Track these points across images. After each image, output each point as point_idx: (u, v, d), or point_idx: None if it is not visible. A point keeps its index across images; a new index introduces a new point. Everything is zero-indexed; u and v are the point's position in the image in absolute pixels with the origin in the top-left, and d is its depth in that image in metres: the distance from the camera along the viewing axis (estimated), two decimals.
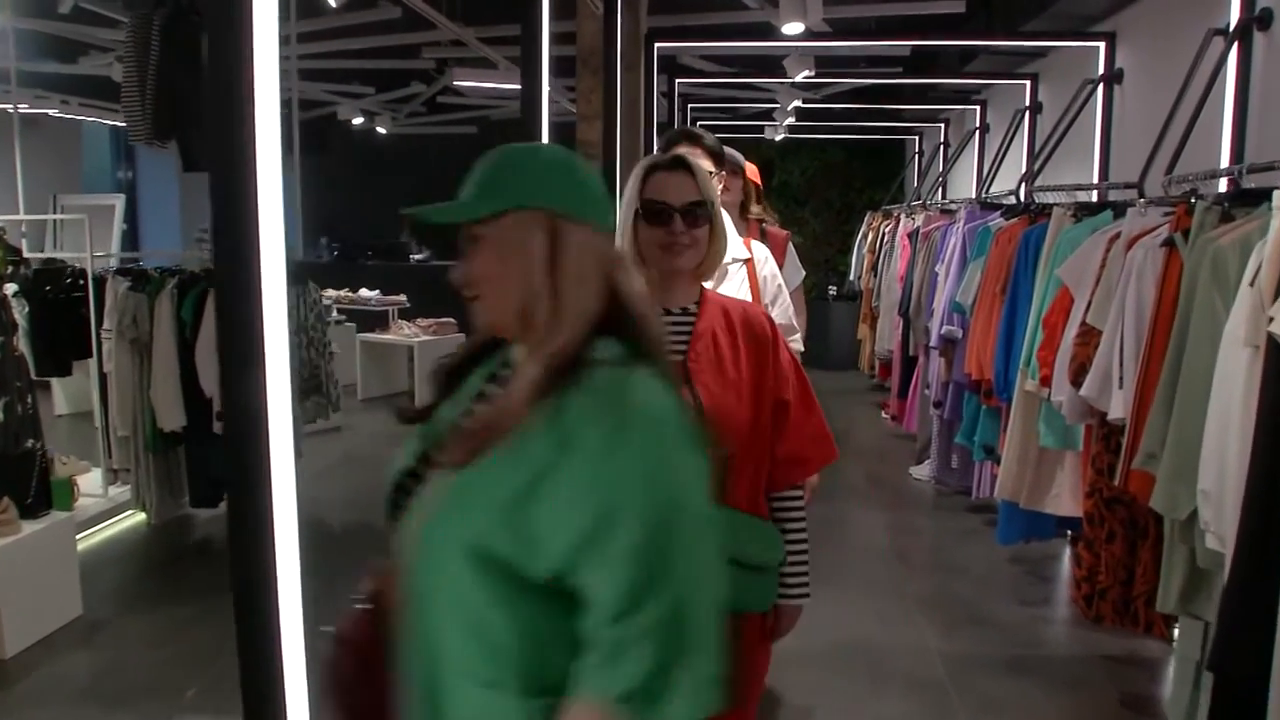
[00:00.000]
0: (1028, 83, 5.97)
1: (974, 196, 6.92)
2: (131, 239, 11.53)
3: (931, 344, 5.24)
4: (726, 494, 1.67)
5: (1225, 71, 3.42)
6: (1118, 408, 2.93)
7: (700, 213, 1.77)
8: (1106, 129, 4.67)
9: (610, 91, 3.54)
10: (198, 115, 4.76)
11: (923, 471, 6.04)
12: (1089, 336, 3.21)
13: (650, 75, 4.79)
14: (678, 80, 6.23)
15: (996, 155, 6.02)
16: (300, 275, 4.97)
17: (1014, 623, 3.97)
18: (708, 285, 1.91)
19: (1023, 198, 4.79)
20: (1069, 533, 4.54)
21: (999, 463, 4.28)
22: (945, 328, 5.03)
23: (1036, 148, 6.01)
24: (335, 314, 8.32)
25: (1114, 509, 3.20)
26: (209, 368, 4.73)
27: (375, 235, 11.55)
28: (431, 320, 8.22)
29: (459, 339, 8.22)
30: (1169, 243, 2.75)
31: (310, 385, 4.99)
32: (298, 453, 1.55)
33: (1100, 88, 4.66)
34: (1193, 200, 2.77)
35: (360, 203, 12.27)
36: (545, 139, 2.27)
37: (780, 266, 3.39)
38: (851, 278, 9.72)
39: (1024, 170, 6.01)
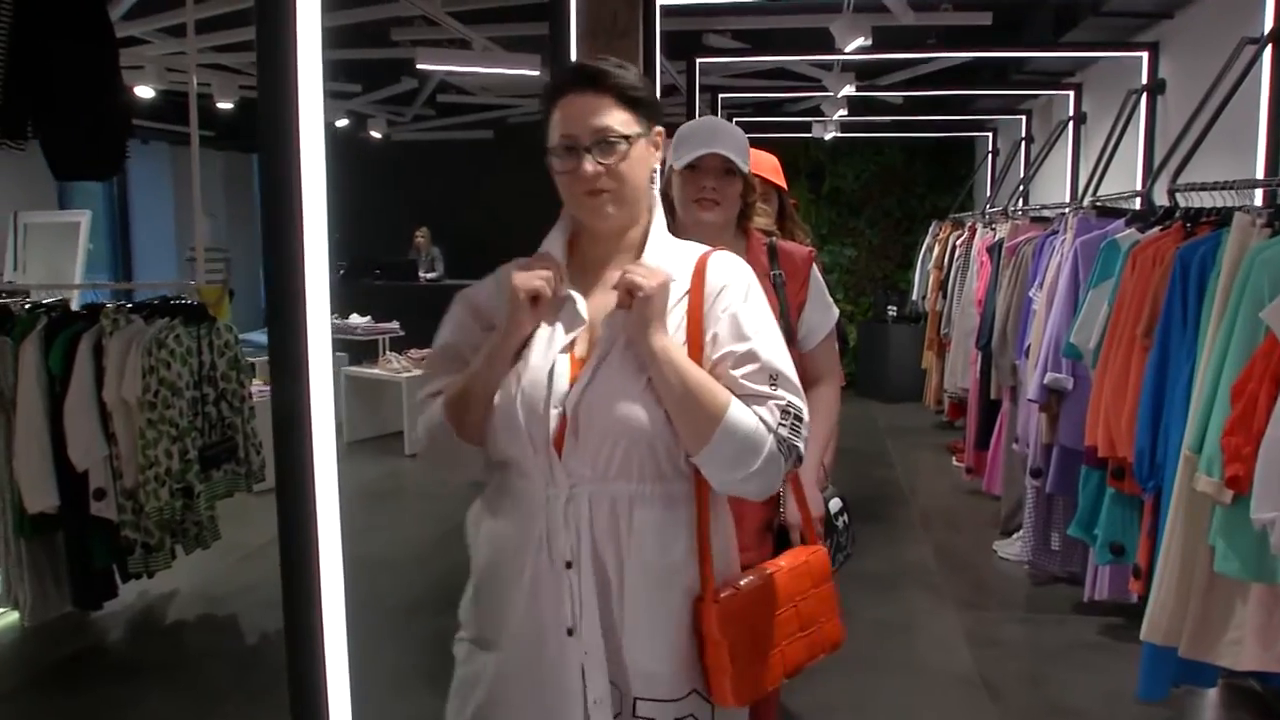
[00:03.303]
0: (1145, 54, 4.69)
1: (1070, 201, 5.64)
2: (124, 263, 10.65)
3: (1030, 396, 3.98)
4: None
5: None
6: None
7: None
8: (1277, 104, 3.40)
9: (561, 55, 2.39)
10: (72, 107, 3.71)
11: (1011, 549, 4.76)
12: None
13: (651, 45, 3.62)
14: (699, 61, 5.06)
15: (1105, 148, 4.74)
16: (200, 310, 3.86)
17: None
18: None
19: (1158, 200, 3.54)
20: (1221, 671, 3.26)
21: (1139, 575, 3.03)
22: (1050, 375, 3.78)
23: (1156, 136, 4.73)
24: None
25: None
26: (80, 433, 3.66)
27: (385, 252, 10.54)
28: (426, 352, 7.11)
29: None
30: None
31: (221, 451, 3.90)
32: None
33: (1269, 50, 3.38)
34: None
35: (371, 217, 11.29)
36: (320, 150, 1.12)
37: (800, 301, 2.18)
38: (914, 297, 8.44)
39: (1143, 167, 4.75)
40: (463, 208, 10.74)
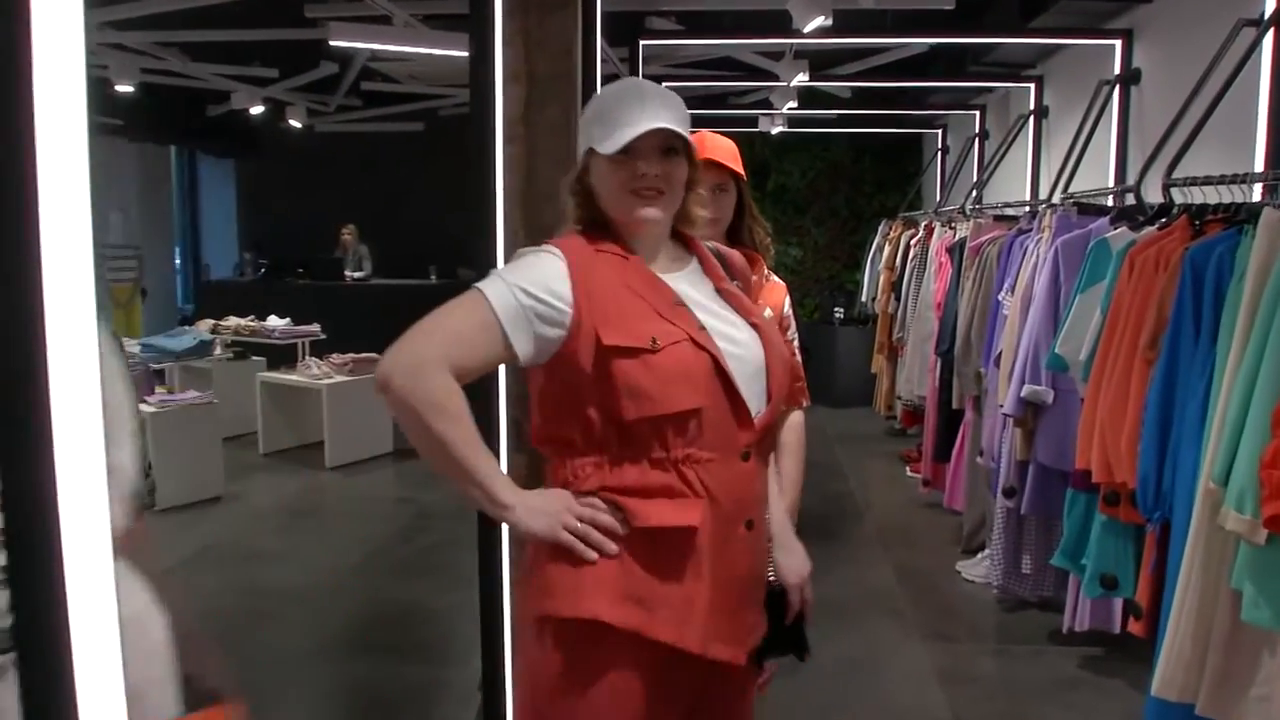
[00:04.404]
0: (1118, 42, 4.42)
1: (1031, 198, 5.37)
2: None
3: (1004, 409, 3.65)
4: None
5: None
6: None
7: None
8: (1278, 91, 3.11)
9: (484, 25, 1.98)
10: None
11: (977, 570, 4.45)
12: None
13: (591, 19, 3.21)
14: (643, 44, 4.67)
15: (1076, 142, 4.46)
16: None
17: None
18: None
19: (1150, 197, 3.23)
20: None
21: (1139, 616, 2.71)
22: (1028, 387, 3.46)
23: (1131, 128, 4.47)
24: (219, 350, 6.74)
25: None
26: None
27: (309, 250, 9.96)
28: (348, 356, 6.60)
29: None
30: None
31: None
32: None
33: (1272, 33, 3.09)
34: None
35: (295, 212, 10.72)
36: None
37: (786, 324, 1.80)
38: (863, 299, 8.15)
39: (1116, 161, 4.47)
40: (393, 204, 10.24)
